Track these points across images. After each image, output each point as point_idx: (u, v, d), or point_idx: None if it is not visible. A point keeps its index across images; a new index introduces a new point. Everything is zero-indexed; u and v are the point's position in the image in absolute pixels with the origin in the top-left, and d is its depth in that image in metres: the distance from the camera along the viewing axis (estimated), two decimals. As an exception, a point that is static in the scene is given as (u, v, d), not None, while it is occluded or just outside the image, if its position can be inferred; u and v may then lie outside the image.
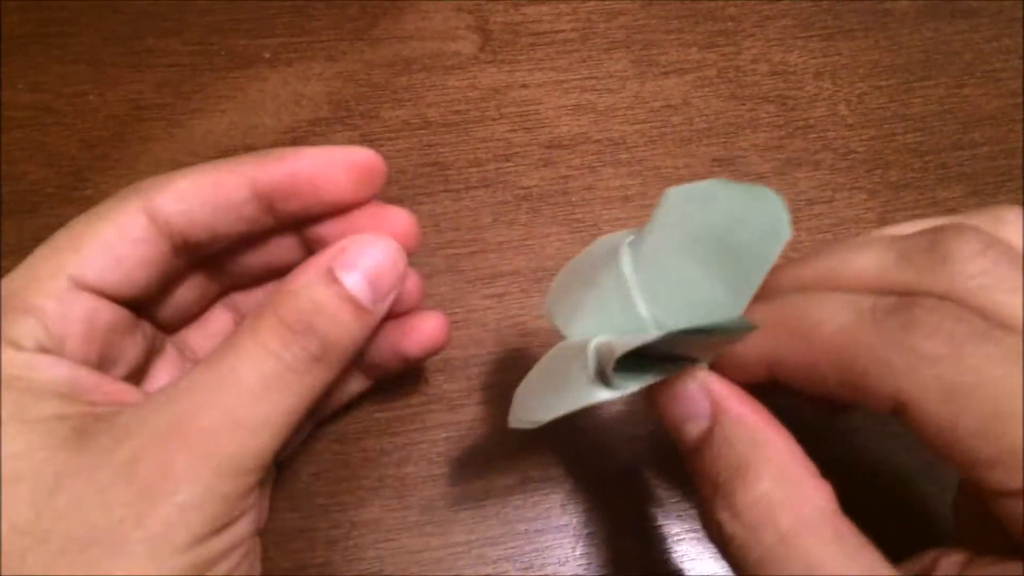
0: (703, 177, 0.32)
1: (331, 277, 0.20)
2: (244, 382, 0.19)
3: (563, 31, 0.34)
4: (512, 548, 0.26)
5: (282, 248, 0.23)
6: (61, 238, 0.20)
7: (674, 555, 0.27)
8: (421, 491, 0.27)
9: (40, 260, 0.20)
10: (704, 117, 0.33)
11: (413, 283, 0.24)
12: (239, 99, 0.33)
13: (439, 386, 0.28)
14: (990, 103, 0.34)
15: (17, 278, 0.20)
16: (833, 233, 0.31)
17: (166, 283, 0.22)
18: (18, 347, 0.19)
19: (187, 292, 0.24)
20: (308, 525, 0.26)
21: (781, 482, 0.17)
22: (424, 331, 0.24)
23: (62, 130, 0.32)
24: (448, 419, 0.28)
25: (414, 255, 0.30)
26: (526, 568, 0.26)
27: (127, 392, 0.20)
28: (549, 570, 0.26)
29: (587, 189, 0.32)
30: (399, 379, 0.28)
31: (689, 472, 0.19)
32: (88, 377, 0.19)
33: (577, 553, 0.26)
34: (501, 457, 0.28)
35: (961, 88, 0.34)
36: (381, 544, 0.26)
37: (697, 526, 0.27)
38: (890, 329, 0.16)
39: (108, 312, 0.20)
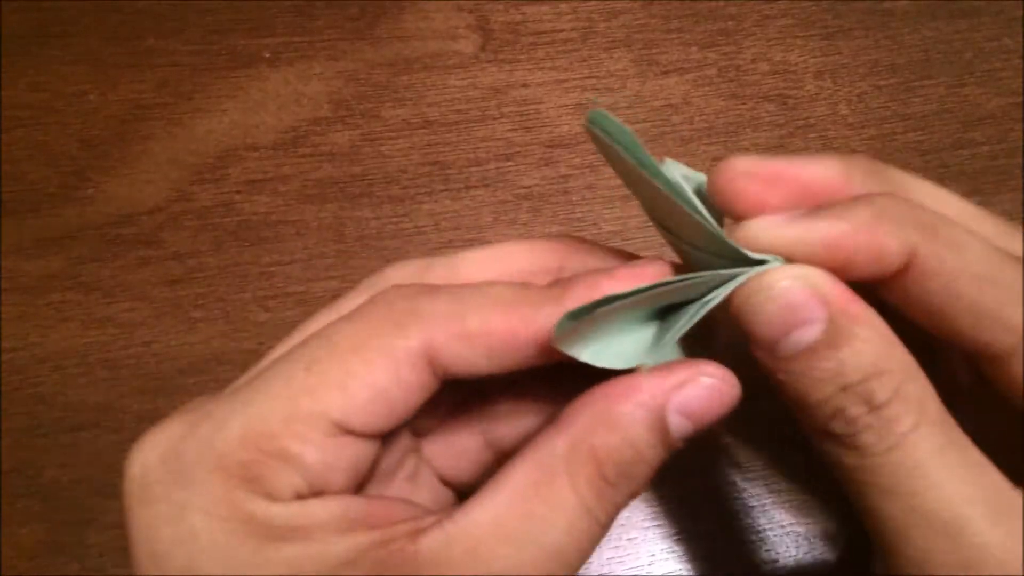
0: (703, 176, 0.32)
1: (660, 419, 0.17)
2: (555, 541, 0.16)
3: (563, 30, 0.34)
4: (513, 547, 0.26)
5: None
6: (323, 368, 0.17)
7: (675, 554, 0.27)
8: (422, 490, 0.27)
9: (298, 395, 0.17)
10: (704, 116, 0.33)
11: None
12: (240, 98, 0.33)
13: (440, 385, 0.28)
14: (990, 102, 0.34)
15: (270, 415, 0.17)
16: (833, 232, 0.31)
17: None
18: (275, 499, 0.16)
19: (440, 407, 0.21)
20: (309, 524, 0.26)
21: (914, 378, 0.17)
22: None
23: (63, 130, 0.32)
24: (449, 418, 0.28)
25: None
26: (527, 567, 0.26)
27: (398, 508, 0.18)
28: (550, 569, 0.26)
29: (588, 188, 0.32)
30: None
31: (779, 372, 0.18)
32: (370, 506, 0.17)
33: (578, 552, 0.26)
34: (502, 456, 0.28)
35: (961, 87, 0.34)
36: (382, 543, 0.26)
37: (697, 525, 0.27)
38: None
39: (372, 449, 0.18)
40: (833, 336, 0.17)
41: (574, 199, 0.31)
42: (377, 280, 0.20)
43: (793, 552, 0.27)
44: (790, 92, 0.34)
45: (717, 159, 0.32)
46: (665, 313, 0.20)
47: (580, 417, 0.17)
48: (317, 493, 0.17)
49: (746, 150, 0.33)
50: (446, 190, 0.31)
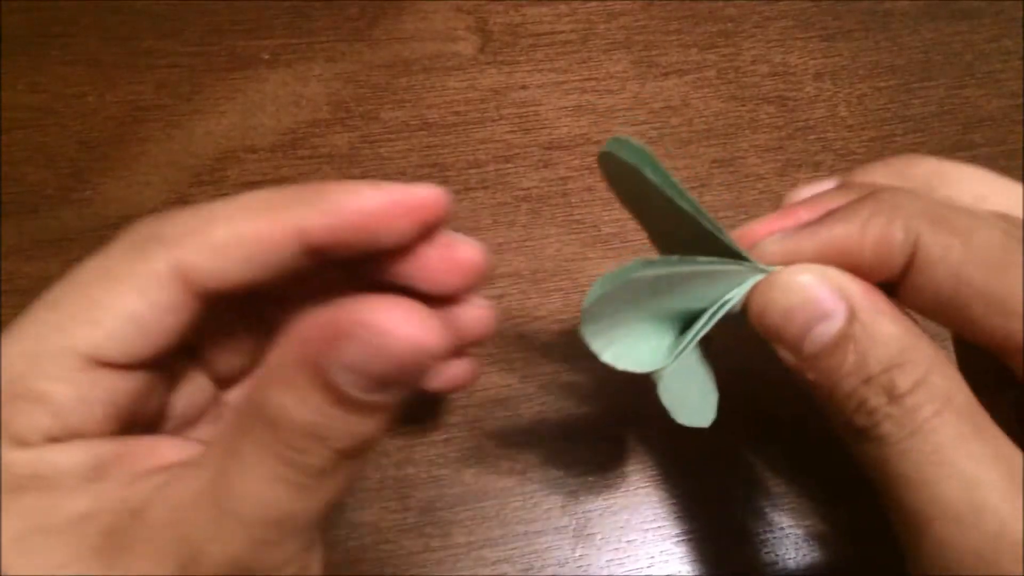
0: (703, 177, 0.32)
1: (321, 383, 0.15)
2: (254, 510, 0.15)
3: (563, 32, 0.34)
4: (511, 549, 0.26)
5: (331, 283, 0.20)
6: (68, 302, 0.17)
7: (673, 555, 0.27)
8: (421, 493, 0.27)
9: (45, 333, 0.16)
10: (704, 118, 0.33)
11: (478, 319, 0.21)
12: (238, 100, 0.33)
13: (439, 387, 0.28)
14: (990, 104, 0.34)
15: (16, 357, 0.16)
16: (833, 234, 0.31)
17: (200, 337, 0.20)
18: (23, 443, 0.16)
19: (231, 343, 0.21)
20: (308, 527, 0.26)
21: (938, 366, 0.17)
22: (451, 373, 0.22)
23: (61, 131, 0.32)
24: (448, 421, 0.28)
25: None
26: (525, 569, 0.26)
27: (166, 447, 0.17)
28: (548, 571, 0.26)
29: (587, 190, 0.32)
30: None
31: (807, 368, 0.18)
32: (114, 449, 0.16)
33: (576, 555, 0.26)
34: (501, 459, 0.28)
35: (961, 89, 0.34)
36: (381, 546, 0.26)
37: (697, 526, 0.27)
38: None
39: (134, 382, 0.17)
40: (854, 328, 0.17)
41: (573, 201, 0.31)
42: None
43: (793, 554, 0.27)
44: (789, 94, 0.34)
45: (717, 160, 0.32)
46: (682, 323, 0.20)
47: (264, 376, 0.15)
48: (75, 435, 0.16)
49: (745, 151, 0.33)
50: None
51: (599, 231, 0.31)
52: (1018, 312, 0.17)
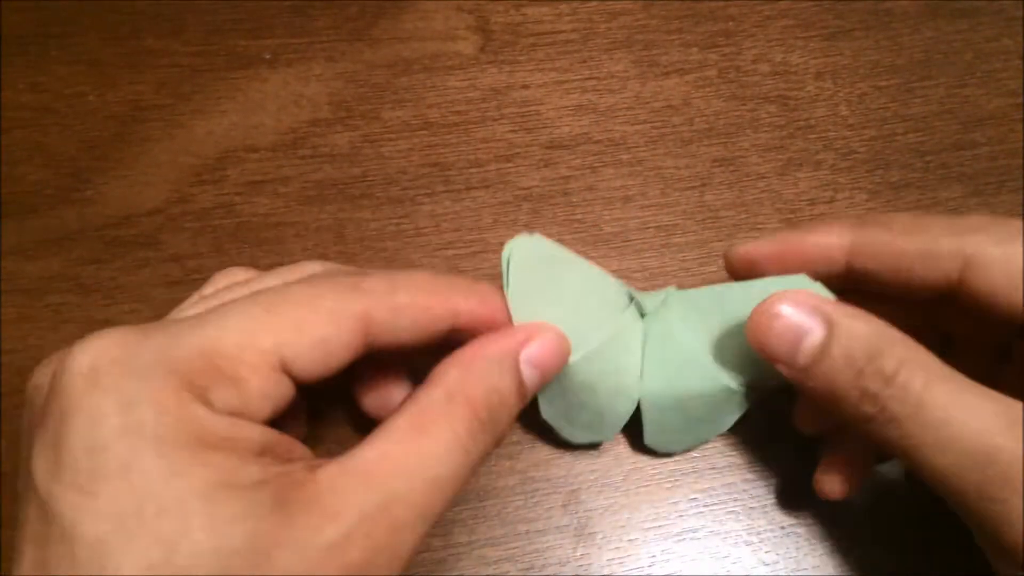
0: (704, 177, 0.32)
1: (517, 367, 0.21)
2: (436, 472, 0.19)
3: (564, 31, 0.34)
4: (513, 549, 0.26)
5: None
6: (282, 312, 0.19)
7: (674, 554, 0.27)
8: (422, 492, 0.27)
9: (257, 331, 0.19)
10: (705, 117, 0.33)
11: None
12: (239, 100, 0.33)
13: (440, 387, 0.28)
14: (991, 103, 0.34)
15: (228, 339, 0.19)
16: (834, 233, 0.31)
17: None
18: (215, 409, 0.18)
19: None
20: (309, 526, 0.26)
21: (911, 347, 0.20)
22: None
23: (62, 131, 0.32)
24: (449, 420, 0.28)
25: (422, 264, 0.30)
26: (527, 569, 0.26)
27: (303, 452, 0.21)
28: (550, 571, 0.26)
29: (588, 190, 0.32)
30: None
31: (809, 381, 0.21)
32: (278, 440, 0.19)
33: (578, 554, 0.26)
34: (502, 458, 0.28)
35: (962, 88, 0.34)
36: (382, 545, 0.26)
37: (697, 525, 0.27)
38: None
39: (294, 393, 0.20)
40: (834, 333, 0.21)
41: (574, 200, 0.31)
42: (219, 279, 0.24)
43: (793, 553, 0.27)
44: (791, 93, 0.34)
45: (718, 160, 0.32)
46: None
47: (452, 371, 0.21)
48: (245, 417, 0.19)
49: (746, 151, 0.33)
50: (446, 191, 0.31)
51: (600, 230, 0.31)
52: (940, 253, 0.22)
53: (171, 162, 0.32)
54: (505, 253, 0.24)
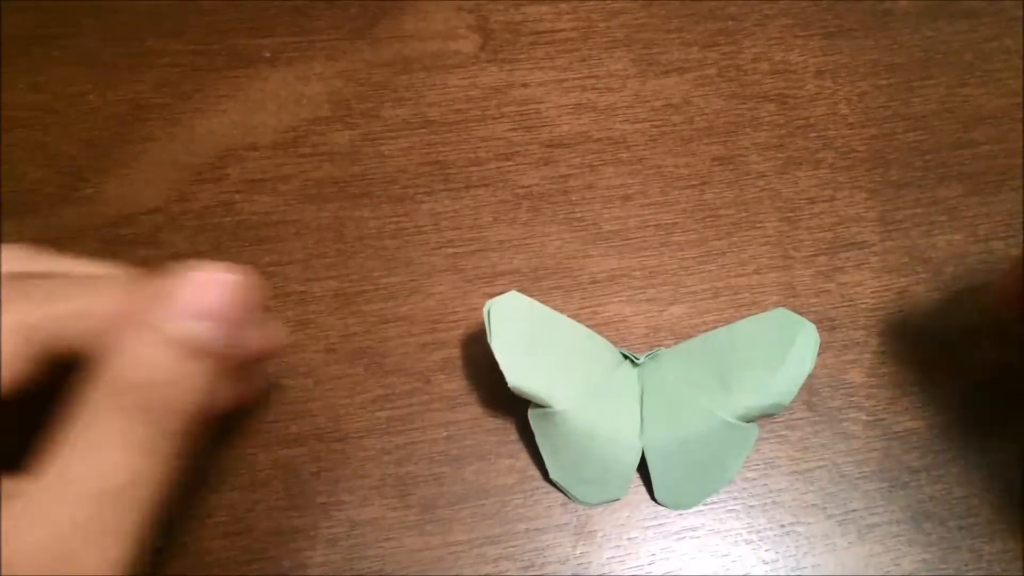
0: (703, 175, 0.32)
1: (159, 331, 0.18)
2: (118, 479, 0.17)
3: (563, 30, 0.34)
4: (512, 547, 0.26)
5: None
6: None
7: (674, 553, 0.27)
8: (422, 490, 0.27)
9: None
10: (705, 116, 0.33)
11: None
12: (240, 99, 0.33)
13: (440, 385, 0.28)
14: (990, 102, 0.34)
15: None
16: (834, 232, 0.31)
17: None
18: None
19: None
20: (309, 524, 0.26)
21: None
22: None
23: (62, 130, 0.32)
24: (449, 418, 0.28)
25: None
26: (526, 567, 0.26)
27: None
28: (549, 569, 0.26)
29: (587, 188, 0.32)
30: (400, 379, 0.28)
31: None
32: None
33: (577, 552, 0.26)
34: (501, 456, 0.28)
35: (962, 87, 0.34)
36: (382, 543, 0.26)
37: (697, 524, 0.27)
38: None
39: None
40: None
41: (574, 198, 0.31)
42: None
43: (793, 552, 0.27)
44: (790, 92, 0.34)
45: (717, 158, 0.32)
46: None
47: (101, 359, 0.17)
48: None
49: (746, 149, 0.33)
50: (446, 190, 0.31)
51: (600, 229, 0.31)
52: None
53: (171, 161, 0.32)
54: (486, 308, 0.25)
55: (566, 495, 0.27)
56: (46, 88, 0.33)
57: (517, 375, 0.25)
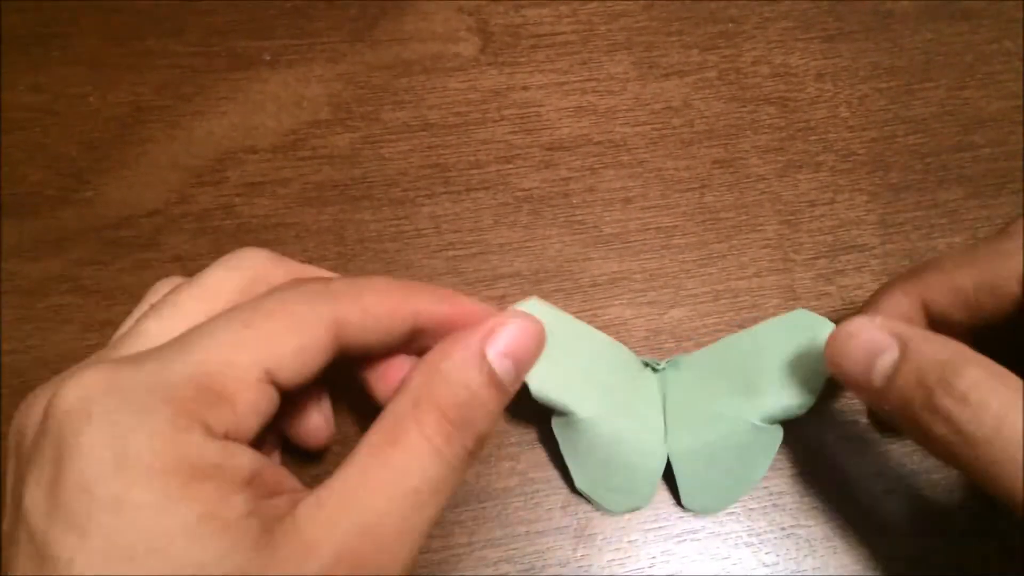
0: (704, 178, 0.32)
1: (484, 361, 0.20)
2: (413, 484, 0.19)
3: (564, 33, 0.34)
4: (513, 550, 0.26)
5: None
6: (259, 325, 0.20)
7: (674, 555, 0.27)
8: (422, 493, 0.27)
9: (240, 344, 0.19)
10: (705, 119, 0.33)
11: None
12: (239, 100, 0.33)
13: (440, 388, 0.28)
14: (991, 105, 0.34)
15: (215, 359, 0.19)
16: (834, 235, 0.31)
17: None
18: (211, 433, 0.18)
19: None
20: (309, 527, 0.26)
21: (986, 367, 0.20)
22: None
23: (62, 131, 0.32)
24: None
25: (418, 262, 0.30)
26: (527, 570, 0.26)
27: (286, 477, 0.20)
28: (550, 572, 0.26)
29: (588, 191, 0.32)
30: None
31: (884, 402, 0.21)
32: (266, 466, 0.19)
33: (578, 555, 0.26)
34: (502, 459, 0.28)
35: (962, 90, 0.34)
36: (382, 546, 0.26)
37: (697, 527, 0.27)
38: None
39: (277, 404, 0.20)
40: (906, 351, 0.21)
41: (574, 202, 0.31)
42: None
43: (793, 555, 0.27)
44: (791, 95, 0.34)
45: (718, 161, 0.32)
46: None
47: (417, 376, 0.20)
48: (241, 439, 0.19)
49: (746, 152, 0.33)
50: (446, 192, 0.31)
51: (600, 231, 0.31)
52: None
53: (171, 163, 0.32)
54: None
55: (593, 504, 0.27)
56: (46, 88, 0.33)
57: (541, 384, 0.24)
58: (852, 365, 0.22)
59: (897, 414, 0.21)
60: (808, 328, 0.25)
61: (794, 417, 0.25)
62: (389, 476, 0.19)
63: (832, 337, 0.22)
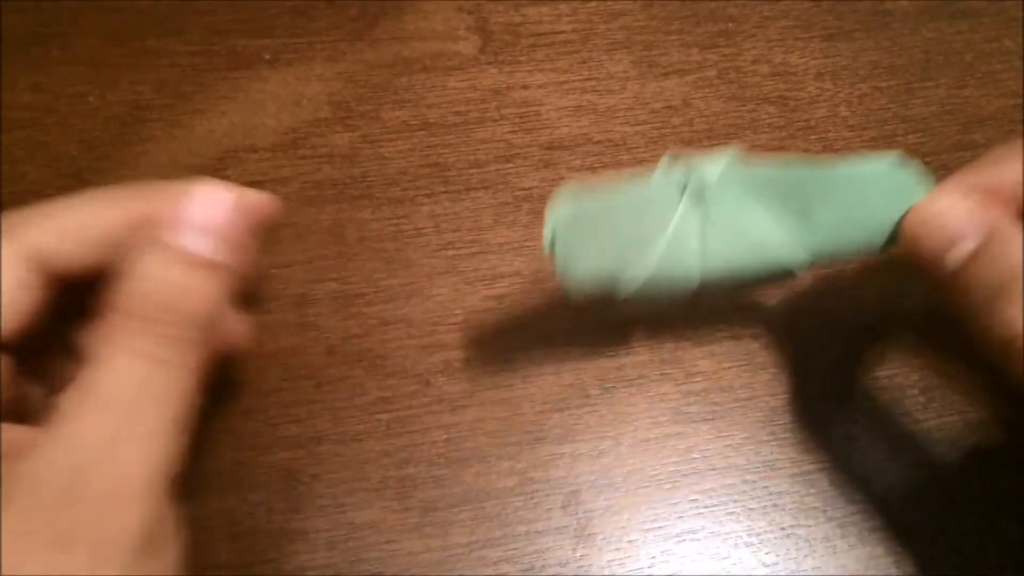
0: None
1: (175, 249, 0.19)
2: (123, 399, 0.17)
3: (563, 32, 0.34)
4: (512, 550, 0.26)
5: None
6: None
7: (674, 555, 0.27)
8: (422, 492, 0.27)
9: None
10: (705, 118, 0.33)
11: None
12: (240, 100, 0.33)
13: (440, 388, 0.28)
14: (991, 104, 0.34)
15: None
16: (834, 234, 0.31)
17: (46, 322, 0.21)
18: None
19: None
20: (309, 527, 0.26)
21: None
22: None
23: (62, 131, 0.32)
24: (449, 420, 0.28)
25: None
26: (526, 570, 0.26)
27: (28, 435, 0.19)
28: (549, 571, 0.26)
29: (588, 190, 0.32)
30: (400, 381, 0.28)
31: (949, 290, 0.20)
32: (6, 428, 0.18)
33: (578, 555, 0.26)
34: (502, 458, 0.28)
35: (962, 89, 0.34)
36: (382, 546, 0.26)
37: (697, 526, 0.27)
38: None
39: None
40: (989, 245, 0.20)
41: (574, 201, 0.31)
42: None
43: (793, 555, 0.27)
44: (790, 94, 0.34)
45: (717, 161, 0.32)
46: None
47: (118, 283, 0.19)
48: None
49: (746, 152, 0.32)
50: (446, 192, 0.31)
51: (600, 231, 0.31)
52: None
53: (171, 162, 0.32)
54: (547, 232, 0.23)
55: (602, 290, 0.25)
56: (46, 88, 0.33)
57: (582, 281, 0.23)
58: (928, 244, 0.21)
59: (959, 306, 0.20)
60: (896, 180, 0.24)
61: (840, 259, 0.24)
62: (111, 401, 0.17)
63: (916, 210, 0.21)
